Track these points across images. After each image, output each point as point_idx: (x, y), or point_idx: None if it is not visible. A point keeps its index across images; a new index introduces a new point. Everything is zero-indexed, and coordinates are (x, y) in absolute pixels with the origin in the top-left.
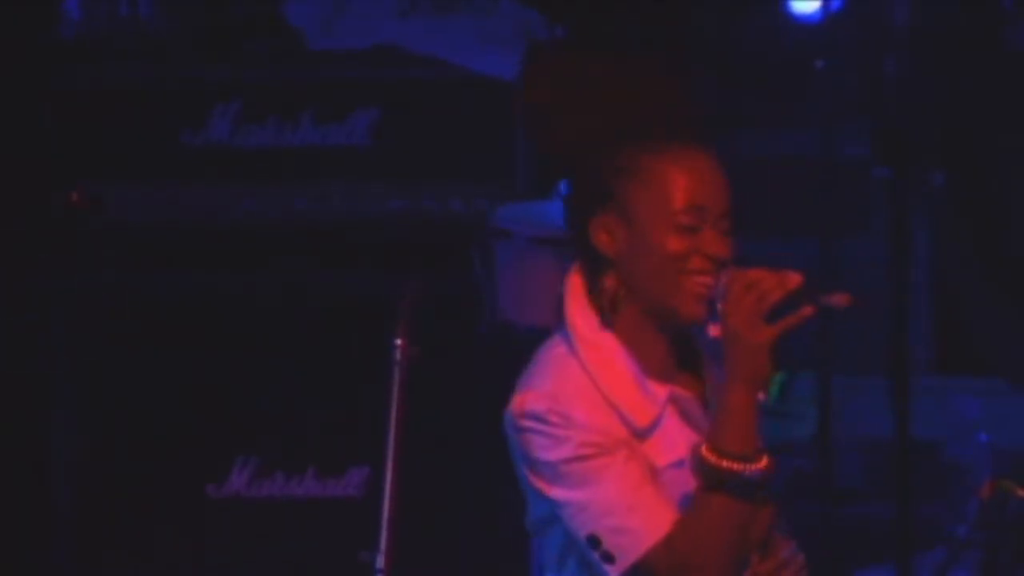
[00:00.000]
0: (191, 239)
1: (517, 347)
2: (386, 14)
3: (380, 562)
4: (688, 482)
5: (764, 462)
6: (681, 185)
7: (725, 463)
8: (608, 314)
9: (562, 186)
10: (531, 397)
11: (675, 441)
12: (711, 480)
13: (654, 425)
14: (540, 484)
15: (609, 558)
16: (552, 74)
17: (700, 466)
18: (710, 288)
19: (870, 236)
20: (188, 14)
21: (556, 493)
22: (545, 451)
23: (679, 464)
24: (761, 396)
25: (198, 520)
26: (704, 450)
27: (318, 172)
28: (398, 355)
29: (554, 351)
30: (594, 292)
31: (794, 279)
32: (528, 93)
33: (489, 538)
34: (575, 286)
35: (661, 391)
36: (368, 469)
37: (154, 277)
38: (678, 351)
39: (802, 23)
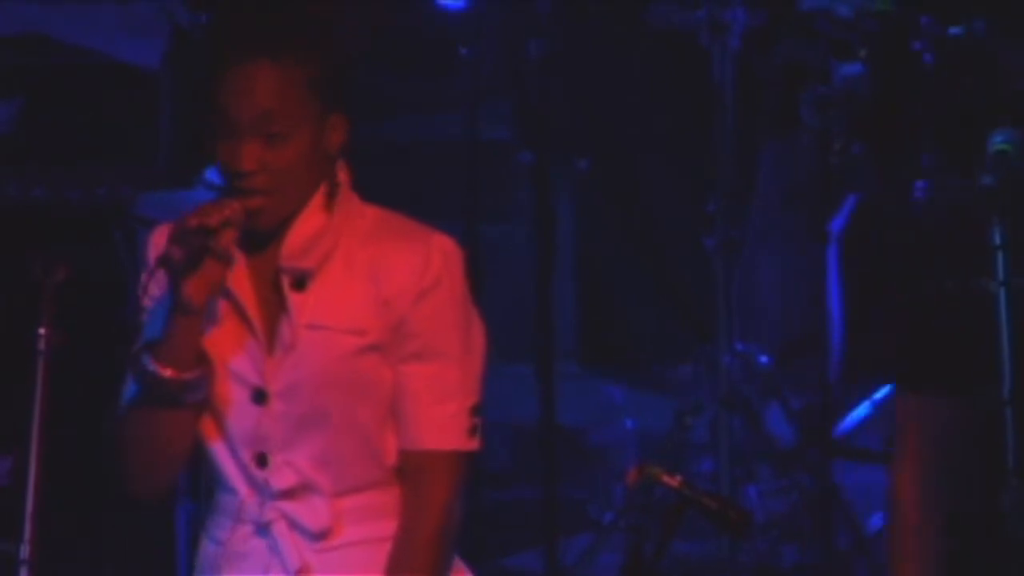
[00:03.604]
0: None
1: None
2: (28, 0)
3: (24, 552)
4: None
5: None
6: (218, 98)
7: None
8: None
9: (208, 174)
10: None
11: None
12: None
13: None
14: None
15: None
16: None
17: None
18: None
19: (514, 222)
20: None
21: None
22: None
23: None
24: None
25: None
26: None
27: None
28: (42, 344)
29: None
30: None
31: (225, 210)
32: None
33: (134, 526)
34: None
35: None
36: (11, 459)
37: None
38: None
39: (447, 10)
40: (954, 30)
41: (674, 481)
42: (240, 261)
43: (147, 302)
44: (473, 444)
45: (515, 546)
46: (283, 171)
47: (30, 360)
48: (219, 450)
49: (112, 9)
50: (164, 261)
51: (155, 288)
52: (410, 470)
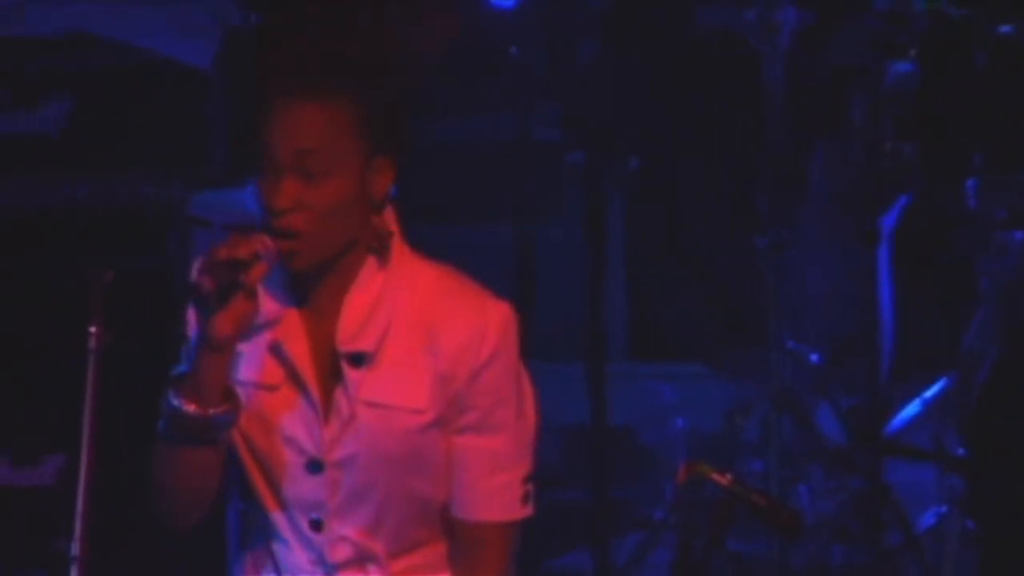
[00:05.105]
0: None
1: None
2: (77, 1)
3: (75, 549)
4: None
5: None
6: (261, 131)
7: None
8: None
9: None
10: None
11: (246, 356)
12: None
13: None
14: None
15: None
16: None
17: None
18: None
19: (565, 221)
20: None
21: None
22: None
23: (242, 383)
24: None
25: None
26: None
27: (10, 160)
28: (93, 342)
29: None
30: None
31: (255, 244)
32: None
33: None
34: None
35: (278, 309)
36: (63, 457)
37: None
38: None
39: (496, 9)
40: (1005, 28)
41: (724, 479)
42: (299, 328)
43: (189, 331)
44: (526, 512)
45: (566, 546)
46: (320, 212)
47: (81, 360)
48: (273, 510)
49: (162, 8)
50: (193, 292)
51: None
52: (463, 539)
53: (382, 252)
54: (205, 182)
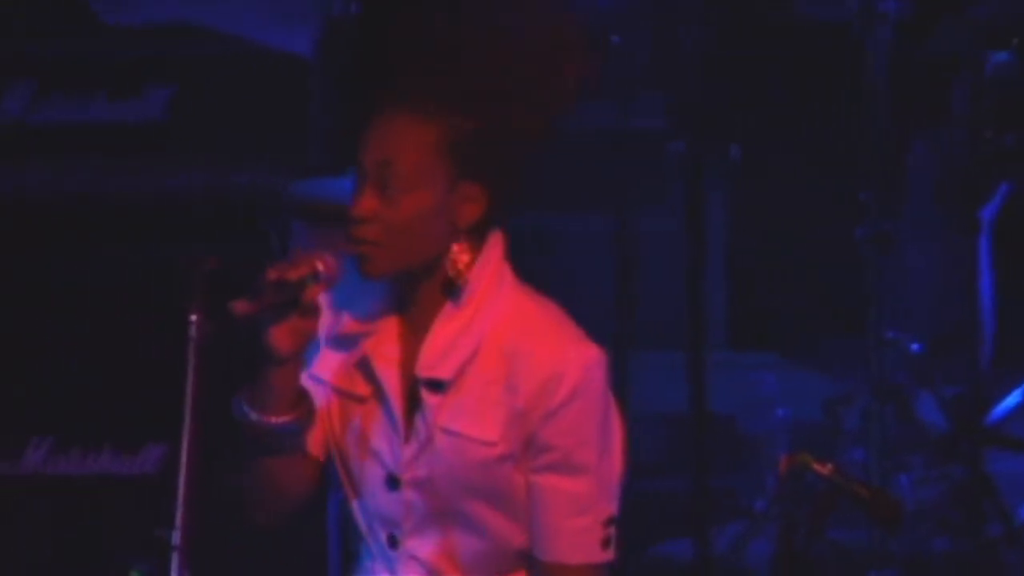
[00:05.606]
0: None
1: None
2: None
3: (176, 538)
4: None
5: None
6: (359, 137)
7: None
8: None
9: None
10: None
11: (341, 362)
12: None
13: (335, 338)
14: None
15: None
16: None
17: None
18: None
19: (666, 210)
20: None
21: None
22: None
23: (314, 378)
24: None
25: None
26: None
27: (113, 148)
28: (194, 331)
29: None
30: None
31: (315, 263)
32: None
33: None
34: None
35: (375, 319)
36: (165, 446)
37: None
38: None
39: (600, 3)
40: None
41: (825, 469)
42: (391, 341)
43: None
44: (607, 556)
45: (665, 534)
46: (393, 226)
47: (183, 349)
48: (360, 519)
49: None
50: (233, 311)
51: None
52: None
53: (452, 290)
54: (305, 170)
